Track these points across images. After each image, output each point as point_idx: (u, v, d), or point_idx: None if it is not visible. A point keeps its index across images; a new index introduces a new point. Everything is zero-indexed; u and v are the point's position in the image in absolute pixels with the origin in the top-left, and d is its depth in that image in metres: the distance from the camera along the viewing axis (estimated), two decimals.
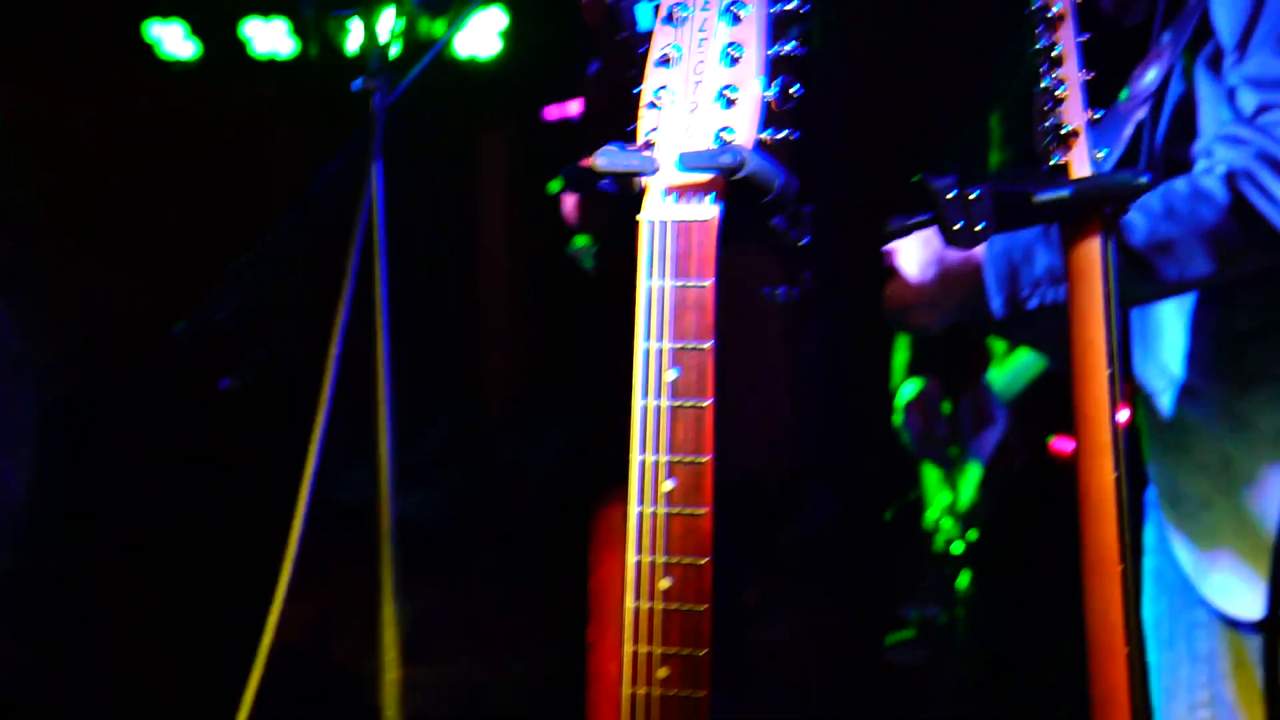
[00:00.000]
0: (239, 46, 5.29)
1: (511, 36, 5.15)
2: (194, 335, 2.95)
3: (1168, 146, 2.49)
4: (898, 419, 4.12)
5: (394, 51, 4.54)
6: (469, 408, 5.84)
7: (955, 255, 2.38)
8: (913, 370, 4.12)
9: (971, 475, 3.99)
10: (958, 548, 4.08)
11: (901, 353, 4.16)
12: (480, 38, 5.12)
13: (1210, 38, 2.39)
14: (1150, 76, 2.62)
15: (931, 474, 4.16)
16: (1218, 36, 2.35)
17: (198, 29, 5.25)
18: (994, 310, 2.36)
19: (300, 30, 5.21)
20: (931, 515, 4.15)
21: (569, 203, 2.23)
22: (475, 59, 5.18)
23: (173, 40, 5.29)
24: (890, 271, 2.44)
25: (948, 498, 4.09)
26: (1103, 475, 1.97)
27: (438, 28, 5.02)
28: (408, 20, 4.37)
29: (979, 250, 2.37)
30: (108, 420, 5.11)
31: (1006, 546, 4.01)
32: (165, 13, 5.30)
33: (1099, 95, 2.04)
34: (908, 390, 4.09)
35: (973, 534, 4.04)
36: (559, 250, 2.33)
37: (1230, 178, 2.24)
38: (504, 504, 5.18)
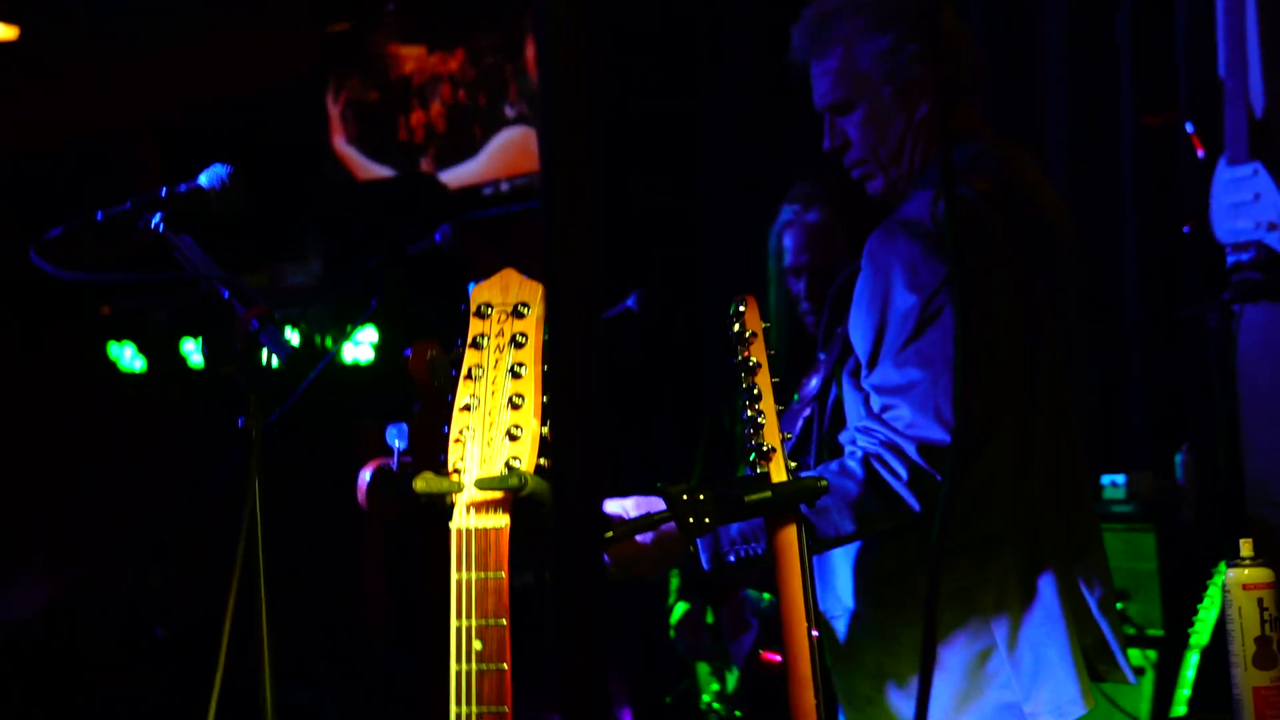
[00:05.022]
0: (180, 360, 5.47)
1: (381, 348, 5.38)
2: (131, 592, 3.08)
3: (830, 435, 2.76)
4: (672, 634, 4.35)
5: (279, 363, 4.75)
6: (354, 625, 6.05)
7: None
8: (681, 595, 4.34)
9: (734, 671, 4.19)
10: None
11: (674, 579, 4.40)
12: (359, 348, 5.34)
13: (851, 355, 2.67)
14: (813, 384, 2.92)
15: (703, 667, 4.36)
16: (856, 354, 2.64)
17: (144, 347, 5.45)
18: (704, 567, 2.54)
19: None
20: (705, 699, 4.33)
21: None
22: (357, 362, 5.39)
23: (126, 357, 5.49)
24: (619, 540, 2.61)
25: (716, 686, 4.28)
26: (806, 702, 2.17)
27: (328, 341, 5.24)
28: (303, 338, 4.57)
29: None
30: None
31: None
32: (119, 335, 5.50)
33: (782, 396, 2.30)
34: (678, 611, 4.32)
35: (738, 714, 4.21)
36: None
37: (865, 460, 2.50)
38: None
